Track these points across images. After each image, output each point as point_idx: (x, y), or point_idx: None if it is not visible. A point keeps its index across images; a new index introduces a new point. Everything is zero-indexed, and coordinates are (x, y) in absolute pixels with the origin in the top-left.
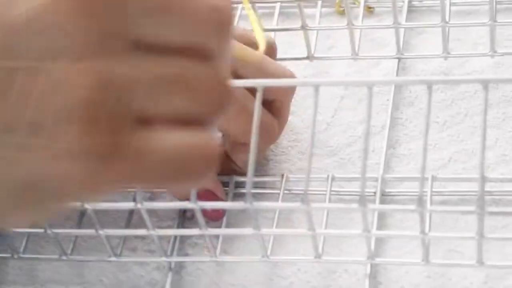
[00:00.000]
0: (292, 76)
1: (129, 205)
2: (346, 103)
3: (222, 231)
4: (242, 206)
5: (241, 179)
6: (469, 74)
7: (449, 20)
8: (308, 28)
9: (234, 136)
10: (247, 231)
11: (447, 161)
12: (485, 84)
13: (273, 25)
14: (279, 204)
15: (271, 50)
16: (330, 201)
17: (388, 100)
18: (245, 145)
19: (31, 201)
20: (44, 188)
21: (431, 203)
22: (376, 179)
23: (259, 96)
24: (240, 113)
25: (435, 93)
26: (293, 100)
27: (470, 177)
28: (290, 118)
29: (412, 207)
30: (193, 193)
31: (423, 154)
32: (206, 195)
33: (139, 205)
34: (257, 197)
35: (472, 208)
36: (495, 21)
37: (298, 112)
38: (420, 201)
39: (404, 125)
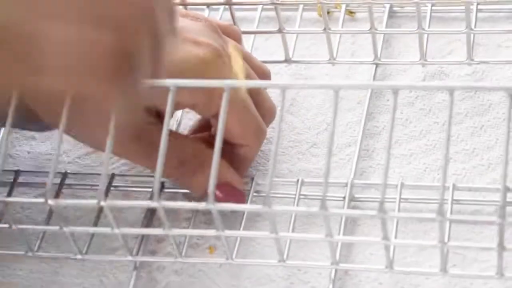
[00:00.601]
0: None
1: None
2: (345, 104)
3: (238, 233)
4: (260, 209)
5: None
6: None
7: (429, 27)
8: (285, 31)
9: (230, 136)
10: (264, 234)
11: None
12: (451, 91)
13: (254, 28)
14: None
15: (265, 78)
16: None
17: (388, 100)
18: (240, 146)
19: None
20: None
21: (399, 210)
22: (345, 184)
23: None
24: (242, 114)
25: (435, 94)
26: (293, 100)
27: (432, 185)
28: (290, 118)
29: (373, 212)
30: (211, 192)
31: (443, 171)
32: (224, 187)
33: (155, 203)
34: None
35: (432, 215)
36: (472, 29)
37: (298, 113)
38: (380, 207)
39: (404, 125)
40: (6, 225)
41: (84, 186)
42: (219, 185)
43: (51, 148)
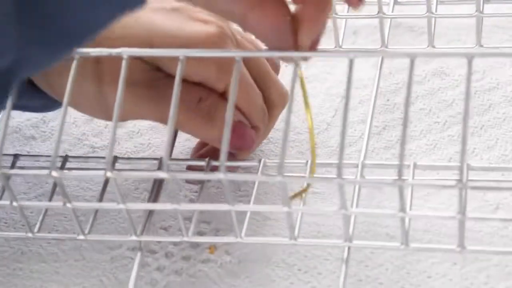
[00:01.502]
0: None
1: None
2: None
3: (197, 206)
4: (272, 178)
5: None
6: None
7: (436, 11)
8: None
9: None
10: (276, 208)
11: (447, 161)
12: (470, 58)
13: None
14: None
15: (274, 68)
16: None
17: (388, 100)
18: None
19: None
20: None
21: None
22: (356, 166)
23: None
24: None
25: (436, 94)
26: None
27: (450, 165)
28: (290, 118)
29: (390, 181)
30: (223, 163)
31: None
32: (239, 127)
33: (163, 175)
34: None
35: (452, 182)
36: (481, 12)
37: (299, 112)
38: (399, 173)
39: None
40: (7, 202)
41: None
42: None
43: (51, 148)
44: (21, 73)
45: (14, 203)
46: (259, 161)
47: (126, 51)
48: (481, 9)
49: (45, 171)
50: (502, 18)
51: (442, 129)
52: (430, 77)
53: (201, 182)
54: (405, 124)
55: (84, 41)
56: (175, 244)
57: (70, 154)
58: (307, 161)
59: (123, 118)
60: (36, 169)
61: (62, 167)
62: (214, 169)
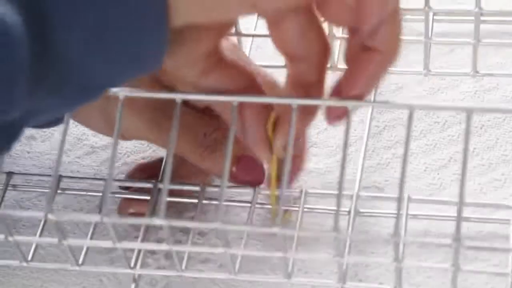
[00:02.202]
0: None
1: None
2: None
3: (190, 248)
4: (272, 230)
5: None
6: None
7: (431, 37)
8: None
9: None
10: (272, 254)
11: (448, 161)
12: (470, 113)
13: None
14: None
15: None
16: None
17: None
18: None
19: None
20: None
21: (407, 228)
22: (351, 197)
23: None
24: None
25: (436, 94)
26: None
27: (446, 200)
28: None
29: (386, 236)
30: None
31: (401, 180)
32: (242, 161)
33: (105, 219)
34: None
35: (448, 240)
36: (479, 40)
37: None
38: (395, 230)
39: (404, 126)
40: (2, 236)
41: (80, 192)
42: (236, 159)
43: (51, 148)
44: (32, 121)
45: (10, 238)
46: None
47: (179, 96)
48: (479, 37)
49: (40, 213)
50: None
51: (442, 129)
52: (430, 77)
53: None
54: (402, 180)
55: (98, 96)
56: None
57: (70, 154)
58: (301, 191)
59: (127, 137)
60: (31, 188)
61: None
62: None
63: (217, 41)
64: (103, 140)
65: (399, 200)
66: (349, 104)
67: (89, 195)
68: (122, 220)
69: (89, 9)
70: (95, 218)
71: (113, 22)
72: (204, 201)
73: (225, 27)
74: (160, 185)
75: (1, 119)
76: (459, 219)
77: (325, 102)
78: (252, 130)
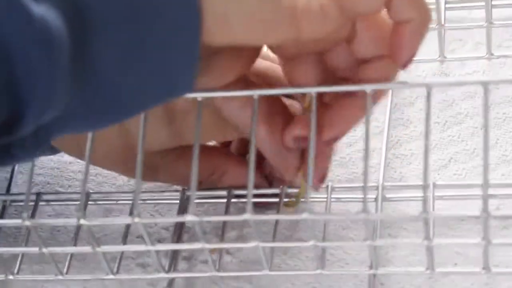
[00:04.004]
0: None
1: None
2: None
3: (222, 245)
4: (303, 217)
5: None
6: (470, 75)
7: (444, 23)
8: None
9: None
10: (305, 244)
11: (448, 161)
12: (485, 86)
13: None
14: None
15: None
16: (330, 209)
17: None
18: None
19: (268, 16)
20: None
21: (434, 209)
22: (376, 188)
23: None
24: None
25: (436, 94)
26: None
27: (472, 183)
28: None
29: (416, 213)
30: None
31: (425, 158)
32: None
33: (192, 217)
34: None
35: (477, 212)
36: (491, 23)
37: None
38: (424, 207)
39: (405, 125)
40: (36, 248)
41: (109, 201)
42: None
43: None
44: (60, 131)
45: (44, 250)
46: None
47: (257, 92)
48: (491, 19)
49: (74, 220)
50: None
51: (442, 129)
52: (431, 77)
53: None
54: (426, 155)
55: (126, 117)
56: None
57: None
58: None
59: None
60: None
61: (86, 201)
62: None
63: (247, 68)
64: None
65: (425, 184)
66: (367, 88)
67: (119, 203)
68: (153, 220)
69: (126, 27)
70: (127, 220)
71: (147, 41)
72: (233, 200)
73: (256, 53)
74: (188, 192)
75: (36, 119)
76: (486, 194)
77: (342, 88)
78: (274, 152)
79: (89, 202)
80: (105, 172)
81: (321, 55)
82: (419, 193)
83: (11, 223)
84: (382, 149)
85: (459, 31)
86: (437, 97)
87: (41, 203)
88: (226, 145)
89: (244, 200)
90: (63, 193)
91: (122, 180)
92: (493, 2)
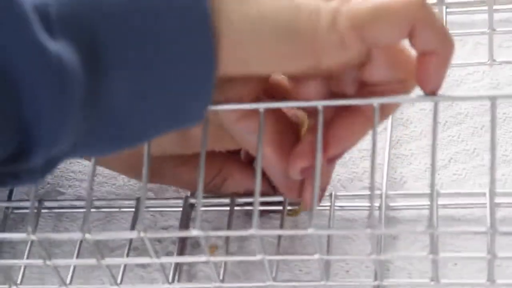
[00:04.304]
0: None
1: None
2: None
3: (227, 258)
4: (305, 232)
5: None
6: (471, 75)
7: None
8: None
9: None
10: (308, 257)
11: (448, 161)
12: (493, 100)
13: None
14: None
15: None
16: (334, 218)
17: None
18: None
19: (291, 32)
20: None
21: (437, 219)
22: (380, 196)
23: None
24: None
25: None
26: None
27: (478, 192)
28: None
29: (422, 228)
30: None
31: (432, 170)
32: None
33: (142, 234)
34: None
35: (483, 228)
36: (494, 29)
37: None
38: (430, 222)
39: (404, 126)
40: (40, 261)
41: (113, 208)
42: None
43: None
44: (68, 158)
45: (48, 262)
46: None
47: (262, 105)
48: (493, 25)
49: (79, 234)
50: None
51: (442, 130)
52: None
53: None
54: (433, 172)
55: (130, 147)
56: (175, 243)
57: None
58: (330, 194)
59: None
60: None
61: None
62: None
63: (257, 92)
64: None
65: (432, 193)
66: (375, 101)
67: (122, 211)
68: (159, 234)
69: (141, 64)
70: (132, 234)
71: (162, 77)
72: (236, 208)
73: (267, 79)
74: (192, 200)
75: (45, 155)
76: (493, 205)
77: (350, 102)
78: (277, 173)
79: (92, 210)
80: (106, 172)
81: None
82: (423, 201)
83: (16, 237)
84: (385, 151)
85: (460, 30)
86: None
87: (43, 210)
88: (236, 151)
89: (247, 208)
90: (64, 200)
91: (122, 180)
92: (495, 7)
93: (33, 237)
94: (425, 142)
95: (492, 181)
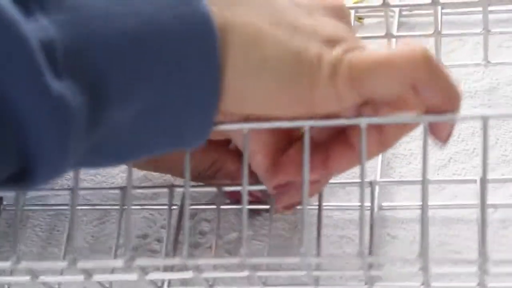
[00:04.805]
0: None
1: None
2: None
3: (216, 274)
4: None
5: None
6: (471, 75)
7: (441, 31)
8: None
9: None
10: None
11: (447, 161)
12: (485, 120)
13: None
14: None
15: None
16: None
17: None
18: None
19: (291, 81)
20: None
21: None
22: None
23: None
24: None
25: None
26: None
27: (469, 179)
28: None
29: (414, 257)
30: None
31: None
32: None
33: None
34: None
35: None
36: (489, 30)
37: None
38: (422, 250)
39: None
40: (27, 278)
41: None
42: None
43: None
44: (68, 172)
45: (36, 280)
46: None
47: (246, 126)
48: (488, 26)
49: (65, 263)
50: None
51: None
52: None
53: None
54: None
55: (128, 162)
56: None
57: None
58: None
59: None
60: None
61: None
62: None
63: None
64: None
65: (424, 206)
66: (362, 121)
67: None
68: (144, 262)
69: (144, 97)
70: (118, 263)
71: (164, 109)
72: (223, 207)
73: None
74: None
75: (46, 181)
76: (484, 235)
77: (336, 122)
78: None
79: (88, 208)
80: (105, 171)
81: None
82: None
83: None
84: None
85: (456, 31)
86: None
87: (43, 208)
88: (226, 140)
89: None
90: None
91: (121, 179)
92: (490, 8)
93: (20, 266)
94: None
95: (483, 204)
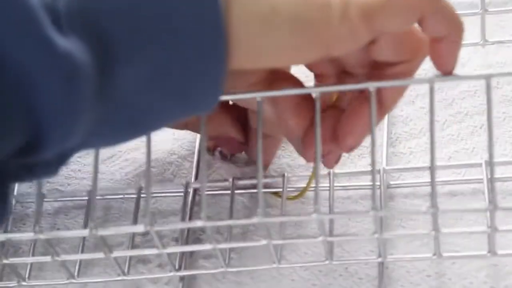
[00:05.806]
0: None
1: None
2: None
3: (233, 244)
4: (310, 218)
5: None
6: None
7: None
8: None
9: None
10: (312, 240)
11: (447, 160)
12: (488, 79)
13: None
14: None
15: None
16: (334, 197)
17: None
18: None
19: (304, 23)
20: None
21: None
22: (378, 172)
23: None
24: None
25: (436, 93)
26: None
27: (476, 163)
28: None
29: (424, 208)
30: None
31: (431, 151)
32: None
33: (148, 227)
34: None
35: (483, 205)
36: (486, 10)
37: None
38: (433, 201)
39: (404, 123)
40: (48, 257)
41: (116, 196)
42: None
43: None
44: (82, 150)
45: (56, 258)
46: (282, 176)
47: (259, 94)
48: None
49: (86, 231)
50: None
51: (442, 128)
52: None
53: None
54: (432, 152)
55: (144, 134)
56: (177, 240)
57: None
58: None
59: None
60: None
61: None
62: None
63: (263, 79)
64: None
65: (432, 170)
66: (370, 85)
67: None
68: (164, 226)
69: (151, 57)
70: (139, 228)
71: (172, 70)
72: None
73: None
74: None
75: (57, 148)
76: (493, 180)
77: (346, 87)
78: (299, 143)
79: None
80: (104, 169)
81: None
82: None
83: (24, 236)
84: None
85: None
86: (437, 96)
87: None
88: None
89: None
90: (62, 200)
91: (119, 175)
92: None
93: (41, 236)
94: (425, 140)
95: (491, 155)
